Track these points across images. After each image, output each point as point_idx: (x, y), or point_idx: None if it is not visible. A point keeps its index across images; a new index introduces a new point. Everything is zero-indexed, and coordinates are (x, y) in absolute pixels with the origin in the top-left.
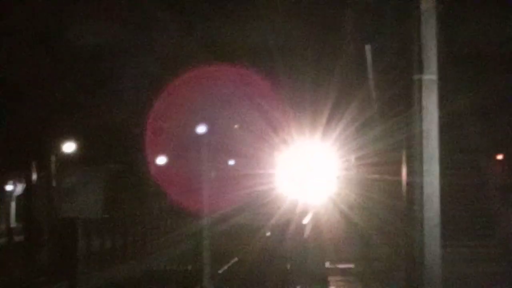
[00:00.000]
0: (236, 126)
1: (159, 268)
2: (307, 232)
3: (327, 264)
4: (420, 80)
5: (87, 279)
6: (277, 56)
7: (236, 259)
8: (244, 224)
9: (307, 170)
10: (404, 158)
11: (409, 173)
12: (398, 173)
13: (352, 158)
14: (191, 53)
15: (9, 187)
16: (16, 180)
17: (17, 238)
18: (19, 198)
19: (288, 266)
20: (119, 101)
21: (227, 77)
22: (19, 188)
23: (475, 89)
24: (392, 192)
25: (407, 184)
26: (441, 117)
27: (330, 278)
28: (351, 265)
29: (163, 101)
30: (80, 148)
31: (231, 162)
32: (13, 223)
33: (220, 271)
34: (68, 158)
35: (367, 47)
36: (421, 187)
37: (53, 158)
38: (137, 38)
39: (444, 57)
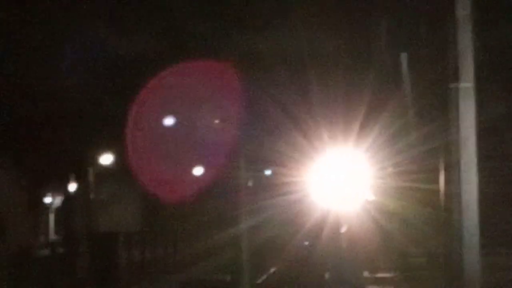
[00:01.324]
0: (217, 121)
1: (199, 279)
2: (344, 241)
3: (366, 274)
4: (456, 88)
5: None
6: (309, 64)
7: (274, 268)
8: (279, 233)
9: (340, 178)
10: (441, 167)
11: (447, 182)
12: (433, 181)
13: (386, 165)
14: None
15: (47, 200)
16: (54, 192)
17: (57, 251)
18: (57, 210)
19: (327, 276)
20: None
21: (259, 87)
22: (57, 201)
23: None
24: (428, 201)
25: (445, 192)
26: (478, 123)
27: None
28: (390, 275)
29: (197, 110)
30: (117, 159)
31: (267, 172)
32: (52, 235)
33: (258, 281)
34: (106, 170)
35: (403, 56)
36: (460, 196)
37: (90, 170)
38: (167, 46)
39: (482, 63)
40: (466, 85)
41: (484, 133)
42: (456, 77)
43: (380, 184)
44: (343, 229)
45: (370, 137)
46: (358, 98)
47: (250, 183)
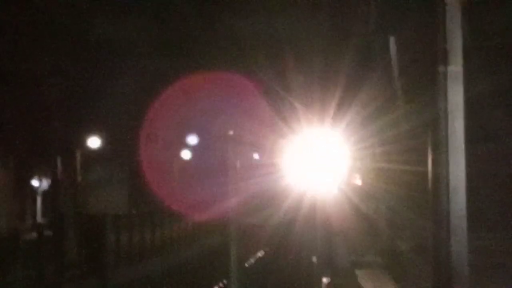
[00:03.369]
0: (231, 132)
1: (187, 262)
2: (325, 225)
3: (353, 257)
4: (445, 72)
5: (116, 274)
6: (287, 46)
7: (261, 252)
8: (262, 216)
9: (316, 159)
10: (429, 151)
11: (434, 165)
12: (420, 164)
13: (373, 147)
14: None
15: (35, 183)
16: (41, 175)
17: (45, 234)
18: (44, 193)
19: (314, 259)
20: (142, 96)
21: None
22: (45, 184)
23: (499, 74)
24: (415, 184)
25: (433, 176)
26: (465, 106)
27: (357, 271)
28: (377, 259)
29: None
30: (105, 143)
31: (255, 155)
32: (39, 218)
33: (246, 265)
34: (93, 153)
35: (391, 39)
36: (447, 179)
37: (78, 153)
38: (152, 32)
39: (469, 47)
40: (455, 69)
41: (469, 114)
42: (444, 61)
43: (366, 167)
44: (323, 214)
45: (353, 119)
46: (336, 79)
47: (238, 165)
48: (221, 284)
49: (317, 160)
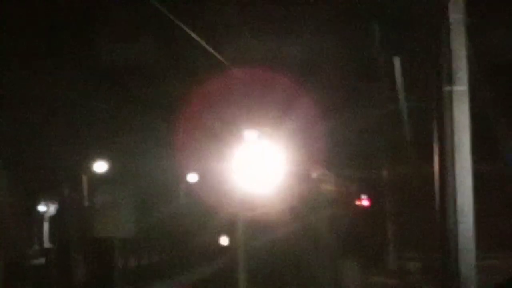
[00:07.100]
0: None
1: (195, 285)
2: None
3: (362, 278)
4: (450, 92)
5: None
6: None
7: (272, 267)
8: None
9: (262, 164)
10: (435, 171)
11: (441, 185)
12: (428, 183)
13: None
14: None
15: (41, 208)
16: (48, 200)
17: (52, 259)
18: (51, 218)
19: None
20: (149, 120)
21: None
22: (52, 209)
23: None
24: (424, 204)
25: (440, 195)
26: (472, 126)
27: None
28: (385, 279)
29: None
30: (111, 167)
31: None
32: (46, 243)
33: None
34: (100, 177)
35: (396, 59)
36: (454, 199)
37: (84, 178)
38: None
39: (475, 68)
40: (460, 88)
41: (477, 135)
42: (450, 80)
43: (376, 183)
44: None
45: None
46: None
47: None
48: None
49: (262, 164)
